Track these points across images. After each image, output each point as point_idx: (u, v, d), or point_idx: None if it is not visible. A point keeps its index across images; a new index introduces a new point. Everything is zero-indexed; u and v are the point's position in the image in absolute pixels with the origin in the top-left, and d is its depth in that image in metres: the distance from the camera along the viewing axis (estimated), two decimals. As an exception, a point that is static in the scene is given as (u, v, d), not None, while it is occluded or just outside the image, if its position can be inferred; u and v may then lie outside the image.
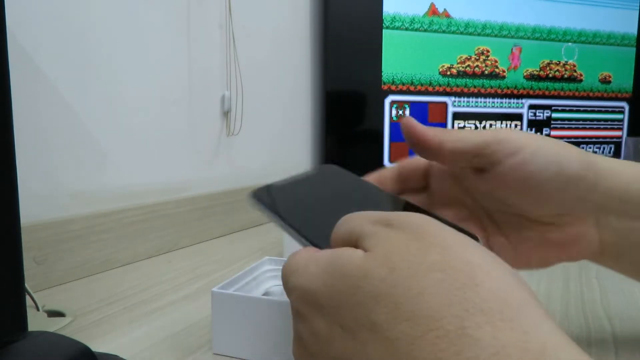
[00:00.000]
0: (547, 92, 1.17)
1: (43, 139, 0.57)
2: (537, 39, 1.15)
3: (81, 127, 0.61)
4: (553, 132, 1.18)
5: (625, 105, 1.23)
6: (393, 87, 1.06)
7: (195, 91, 0.78)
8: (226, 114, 0.84)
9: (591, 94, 1.21)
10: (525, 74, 1.14)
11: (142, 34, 0.69)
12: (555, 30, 1.17)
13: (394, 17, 1.05)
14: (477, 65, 1.10)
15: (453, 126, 1.11)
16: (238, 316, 0.37)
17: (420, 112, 1.09)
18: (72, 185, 0.60)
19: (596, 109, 1.21)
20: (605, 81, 1.19)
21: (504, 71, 1.12)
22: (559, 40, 1.17)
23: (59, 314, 0.47)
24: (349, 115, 1.06)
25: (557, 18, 1.17)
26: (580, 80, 1.18)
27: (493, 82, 1.12)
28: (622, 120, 1.24)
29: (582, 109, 1.20)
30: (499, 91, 1.13)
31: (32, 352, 0.30)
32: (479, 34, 1.11)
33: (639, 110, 1.24)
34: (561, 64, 1.17)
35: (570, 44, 1.18)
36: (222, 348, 0.38)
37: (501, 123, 1.15)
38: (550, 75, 1.16)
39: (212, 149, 0.82)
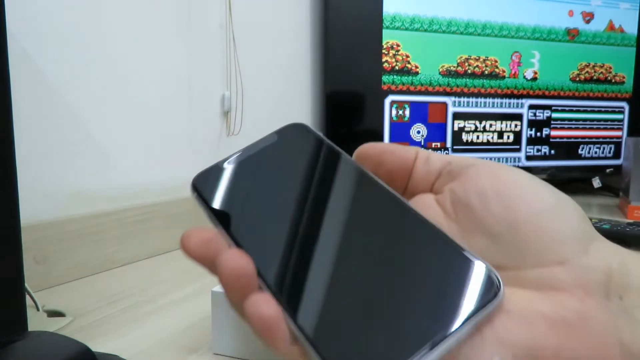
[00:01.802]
0: (466, 90, 1.12)
1: (43, 139, 0.57)
2: (537, 38, 1.15)
3: (81, 127, 0.61)
4: (553, 132, 1.18)
5: (625, 105, 1.23)
6: (393, 87, 1.06)
7: (195, 91, 0.78)
8: (226, 114, 0.84)
9: (591, 94, 1.21)
10: (441, 70, 1.09)
11: (143, 33, 0.69)
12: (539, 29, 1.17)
13: (394, 17, 1.05)
14: (387, 61, 1.05)
15: (453, 126, 1.11)
16: (238, 316, 0.37)
17: (420, 112, 1.09)
18: (73, 185, 0.60)
19: (596, 109, 1.21)
20: (532, 78, 1.16)
21: (417, 67, 1.07)
22: (553, 40, 1.17)
23: (59, 314, 0.47)
24: (349, 115, 1.06)
25: (555, 17, 1.17)
26: (503, 77, 1.14)
27: (404, 79, 1.06)
28: (622, 120, 1.24)
29: (582, 109, 1.20)
30: (498, 91, 1.13)
31: (32, 352, 0.30)
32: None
33: (639, 110, 1.24)
34: (481, 60, 1.12)
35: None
36: (222, 348, 0.38)
37: (501, 123, 1.15)
38: (469, 71, 1.11)
39: (212, 149, 0.82)
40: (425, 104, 1.09)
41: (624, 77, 1.23)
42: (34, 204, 0.56)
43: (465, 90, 1.11)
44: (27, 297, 0.40)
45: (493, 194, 0.19)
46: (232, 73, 0.84)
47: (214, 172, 0.25)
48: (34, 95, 0.55)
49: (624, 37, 1.22)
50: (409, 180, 0.23)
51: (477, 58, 1.12)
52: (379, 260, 0.19)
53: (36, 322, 0.44)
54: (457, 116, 1.11)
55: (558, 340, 0.17)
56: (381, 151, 0.23)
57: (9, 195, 0.33)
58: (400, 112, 1.07)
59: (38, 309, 0.46)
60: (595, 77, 1.21)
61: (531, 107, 1.16)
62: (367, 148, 0.23)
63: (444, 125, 1.10)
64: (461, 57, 1.10)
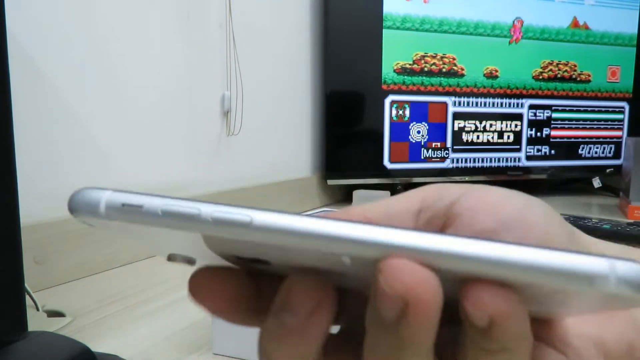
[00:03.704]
0: (422, 88, 1.09)
1: (43, 140, 0.57)
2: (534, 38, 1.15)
3: (81, 127, 0.61)
4: (553, 132, 1.18)
5: (625, 105, 1.23)
6: (393, 87, 1.06)
7: (195, 91, 0.78)
8: (226, 114, 0.84)
9: (585, 94, 1.21)
10: (395, 67, 1.05)
11: (143, 34, 0.69)
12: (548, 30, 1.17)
13: (495, 26, 1.04)
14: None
15: (453, 126, 1.11)
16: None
17: (421, 112, 1.09)
18: (73, 185, 0.60)
19: (596, 109, 1.21)
20: (491, 76, 1.12)
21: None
22: (555, 40, 1.17)
23: (59, 314, 0.47)
24: (349, 115, 1.06)
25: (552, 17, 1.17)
26: (462, 75, 1.10)
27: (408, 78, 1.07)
28: (622, 120, 1.24)
29: (582, 109, 1.20)
30: (457, 89, 1.13)
31: (32, 352, 0.30)
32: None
33: (639, 110, 1.24)
34: (438, 57, 1.08)
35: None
36: (222, 348, 0.38)
37: (501, 123, 1.15)
38: (426, 69, 1.07)
39: (212, 149, 0.82)
40: (426, 103, 1.09)
41: (589, 76, 1.20)
42: (34, 204, 0.56)
43: (422, 88, 1.08)
44: (27, 297, 0.40)
45: (477, 204, 0.19)
46: (232, 73, 0.84)
47: None
48: (34, 95, 0.55)
49: (589, 34, 1.19)
50: None
51: (435, 55, 1.08)
52: None
53: (36, 322, 0.44)
54: (457, 116, 1.11)
55: (622, 329, 0.17)
56: None
57: (9, 195, 0.33)
58: (401, 112, 1.07)
59: (38, 309, 0.46)
60: (559, 76, 1.18)
61: (531, 107, 1.16)
62: None
63: (444, 125, 1.10)
64: (417, 54, 1.08)
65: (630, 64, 1.23)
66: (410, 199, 0.20)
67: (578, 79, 1.20)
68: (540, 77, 1.17)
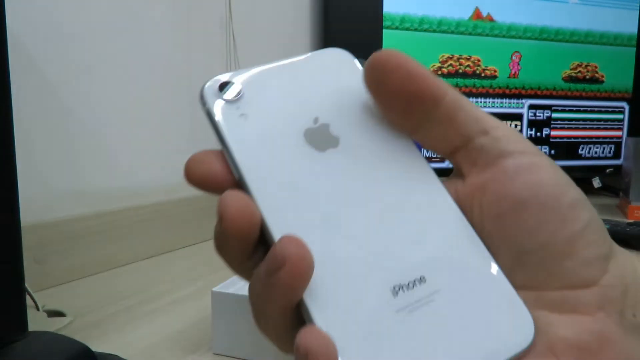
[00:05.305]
0: (523, 91, 1.14)
1: (43, 139, 0.57)
2: (531, 38, 1.15)
3: (81, 127, 0.61)
4: (553, 132, 1.18)
5: (625, 105, 1.23)
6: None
7: (196, 91, 0.78)
8: (226, 114, 0.84)
9: (584, 94, 1.21)
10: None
11: (143, 34, 0.69)
12: (547, 30, 1.16)
13: (385, 16, 1.04)
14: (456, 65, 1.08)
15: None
16: (238, 316, 0.37)
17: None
18: (73, 186, 0.60)
19: (596, 109, 1.21)
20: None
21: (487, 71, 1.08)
22: (552, 40, 1.17)
23: (59, 314, 0.47)
24: (349, 115, 1.06)
25: (553, 18, 1.16)
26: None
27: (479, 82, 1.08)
28: (622, 120, 1.24)
29: (582, 109, 1.20)
30: (498, 91, 1.13)
31: (32, 352, 0.30)
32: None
33: (639, 110, 1.24)
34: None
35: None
36: (222, 348, 0.38)
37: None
38: None
39: (213, 148, 0.82)
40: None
41: (495, 71, 1.11)
42: (34, 204, 0.56)
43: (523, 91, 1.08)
44: (27, 297, 0.40)
45: (532, 205, 0.17)
46: (232, 73, 0.84)
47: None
48: (34, 95, 0.55)
49: (494, 27, 1.09)
50: (425, 121, 0.19)
51: None
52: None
53: (36, 322, 0.44)
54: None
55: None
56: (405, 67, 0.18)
57: (9, 195, 0.33)
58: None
59: (38, 309, 0.46)
60: (461, 71, 1.09)
61: (531, 107, 1.17)
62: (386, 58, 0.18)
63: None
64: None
65: (630, 63, 1.23)
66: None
67: (482, 74, 1.11)
68: (440, 73, 1.06)
